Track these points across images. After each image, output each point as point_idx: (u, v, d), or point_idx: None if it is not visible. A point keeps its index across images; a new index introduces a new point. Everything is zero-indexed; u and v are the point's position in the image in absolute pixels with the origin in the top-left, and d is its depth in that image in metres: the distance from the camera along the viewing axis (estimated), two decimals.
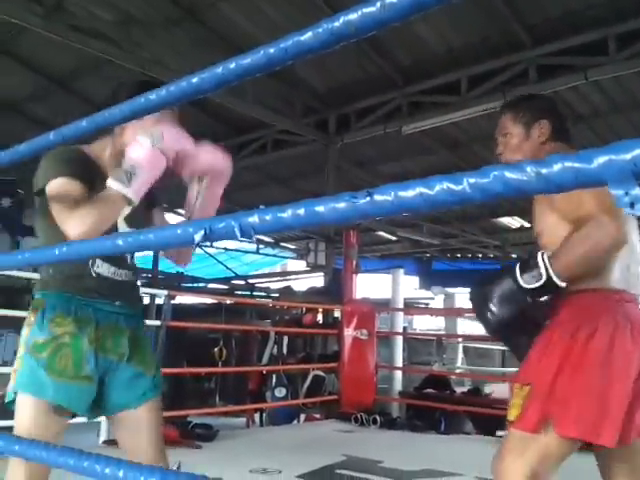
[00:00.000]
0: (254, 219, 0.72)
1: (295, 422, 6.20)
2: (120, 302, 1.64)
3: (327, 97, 7.57)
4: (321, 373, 6.20)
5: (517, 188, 0.52)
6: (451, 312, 8.45)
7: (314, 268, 9.07)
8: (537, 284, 1.43)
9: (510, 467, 1.47)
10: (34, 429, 1.46)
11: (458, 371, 7.67)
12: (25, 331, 1.57)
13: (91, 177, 1.55)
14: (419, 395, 6.30)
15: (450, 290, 10.64)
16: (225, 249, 10.90)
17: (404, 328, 9.69)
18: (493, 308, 1.50)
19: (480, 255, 13.94)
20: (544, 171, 0.50)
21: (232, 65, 0.84)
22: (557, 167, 0.49)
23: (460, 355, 7.84)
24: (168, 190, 1.76)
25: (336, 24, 0.73)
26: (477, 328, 11.99)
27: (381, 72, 6.79)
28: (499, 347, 10.28)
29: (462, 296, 11.16)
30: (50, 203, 1.50)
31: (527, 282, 1.44)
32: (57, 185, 1.50)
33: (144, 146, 1.44)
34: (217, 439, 4.29)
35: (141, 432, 1.62)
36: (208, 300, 8.85)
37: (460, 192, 0.55)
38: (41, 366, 1.50)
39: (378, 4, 0.69)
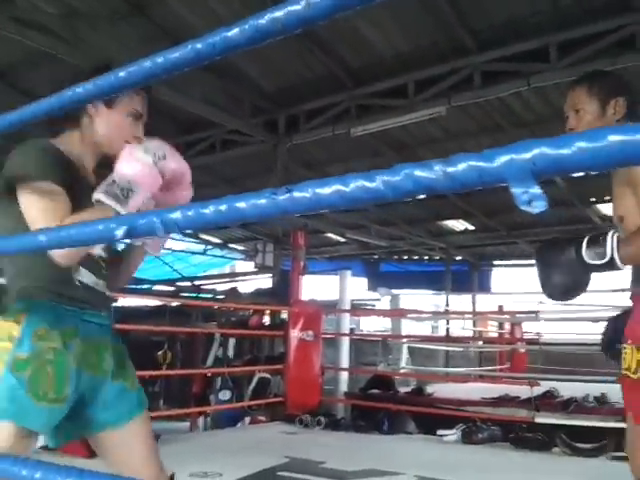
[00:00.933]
0: (176, 215, 0.71)
1: (240, 425, 6.16)
2: (105, 313, 1.57)
3: (276, 97, 7.55)
4: (267, 375, 6.19)
5: (427, 186, 0.53)
6: (396, 313, 8.56)
7: (261, 269, 9.03)
8: (599, 262, 1.47)
9: None
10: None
11: (402, 371, 7.77)
12: (4, 345, 1.37)
13: (70, 180, 1.42)
14: (364, 396, 6.35)
15: (396, 291, 10.79)
16: (172, 250, 10.74)
17: (351, 329, 9.76)
18: (553, 274, 1.56)
19: (426, 257, 14.21)
20: (450, 170, 0.51)
21: (160, 59, 0.83)
22: (462, 166, 0.50)
23: (404, 355, 7.95)
24: None
25: (262, 21, 0.73)
26: (422, 329, 12.18)
27: (330, 74, 6.82)
28: (443, 347, 10.49)
29: (407, 297, 11.33)
30: (25, 207, 1.37)
31: (590, 257, 1.48)
32: (40, 191, 1.36)
33: (144, 162, 1.36)
34: (158, 444, 4.21)
35: (133, 449, 1.54)
36: (153, 302, 8.70)
37: (374, 189, 0.56)
38: (22, 387, 1.33)
39: (303, 2, 0.69)
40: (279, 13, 0.71)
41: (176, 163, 1.44)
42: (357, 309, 8.91)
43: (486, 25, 5.80)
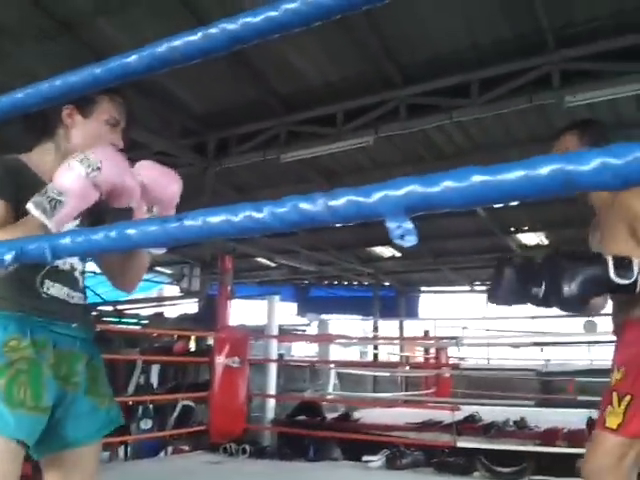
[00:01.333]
0: (66, 241, 0.69)
1: (162, 455, 5.96)
2: (77, 325, 1.52)
3: (207, 120, 7.52)
4: (191, 403, 6.03)
5: (311, 218, 0.54)
6: (323, 338, 8.57)
7: (188, 294, 8.86)
8: (624, 282, 1.58)
9: (611, 469, 1.67)
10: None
11: (329, 397, 7.76)
12: None
13: (23, 193, 1.35)
14: (290, 422, 6.29)
15: (325, 316, 10.83)
16: (94, 273, 10.35)
17: (281, 355, 9.69)
18: (573, 284, 1.64)
19: (355, 282, 14.36)
20: (332, 203, 0.53)
21: (57, 82, 0.82)
22: (342, 200, 0.52)
23: (332, 381, 7.95)
24: (120, 210, 1.59)
25: (160, 49, 0.73)
26: (350, 354, 12.26)
27: (261, 99, 6.87)
28: (371, 373, 10.57)
29: (336, 322, 11.38)
30: None
31: (618, 276, 1.59)
32: None
33: (76, 173, 1.28)
34: None
35: (86, 473, 1.51)
36: None
37: (261, 220, 0.57)
38: None
39: (200, 34, 0.70)
40: (177, 42, 0.72)
41: (118, 177, 1.33)
42: (284, 334, 8.86)
43: (411, 60, 6.02)
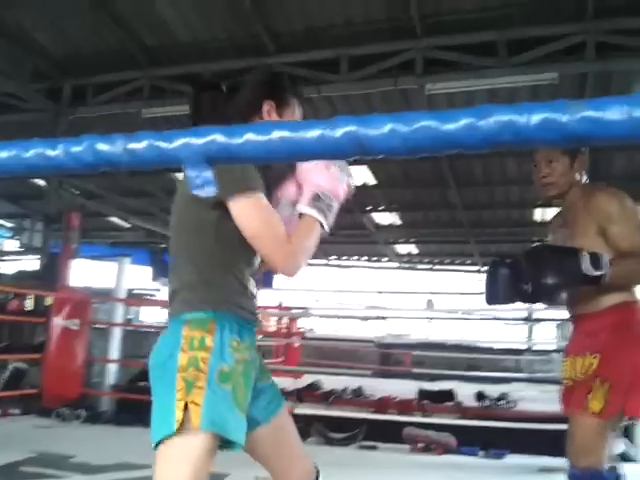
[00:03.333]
0: None
1: None
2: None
3: (63, 65, 6.97)
4: (23, 365, 5.65)
5: (108, 160, 0.51)
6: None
7: (28, 250, 8.24)
8: (595, 273, 1.77)
9: (596, 447, 1.87)
10: (198, 473, 1.26)
11: None
12: (201, 355, 1.29)
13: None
14: (131, 388, 6.12)
15: None
16: None
17: (130, 320, 9.34)
18: (549, 275, 1.83)
19: None
20: (131, 146, 0.50)
21: None
22: (144, 144, 0.49)
23: None
24: None
25: None
26: None
27: (125, 49, 6.48)
28: None
29: None
30: (246, 219, 1.33)
31: (588, 270, 1.77)
32: (260, 203, 1.33)
33: (341, 181, 1.41)
34: None
35: (282, 442, 1.54)
36: None
37: (54, 158, 0.52)
38: (228, 399, 1.29)
39: None
40: None
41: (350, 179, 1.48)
42: (132, 299, 8.56)
43: (286, 29, 5.98)
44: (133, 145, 0.50)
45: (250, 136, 0.46)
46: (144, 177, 9.18)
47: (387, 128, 0.43)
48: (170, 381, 1.27)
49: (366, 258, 15.09)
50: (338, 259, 15.25)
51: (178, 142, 0.48)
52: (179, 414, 1.23)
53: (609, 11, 5.18)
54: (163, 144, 0.49)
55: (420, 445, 4.50)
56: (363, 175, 9.41)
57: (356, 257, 15.12)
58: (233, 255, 1.40)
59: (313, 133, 0.45)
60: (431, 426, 4.69)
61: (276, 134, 0.45)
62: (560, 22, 5.42)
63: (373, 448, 4.59)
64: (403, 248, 13.93)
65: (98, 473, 3.15)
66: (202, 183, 0.47)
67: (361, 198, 10.44)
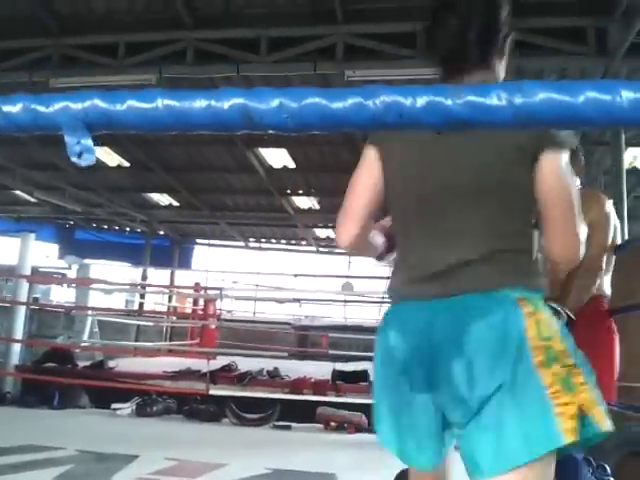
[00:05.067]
0: None
1: None
2: None
3: None
4: None
5: None
6: (81, 282, 8.08)
7: None
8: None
9: None
10: None
11: (84, 345, 7.39)
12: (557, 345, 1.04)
13: None
14: (37, 369, 5.87)
15: (89, 261, 10.19)
16: None
17: (35, 299, 8.91)
18: None
19: (127, 228, 13.77)
20: (6, 109, 0.46)
21: None
22: (18, 106, 0.46)
23: (88, 328, 7.56)
24: None
25: None
26: (114, 302, 11.77)
27: (34, 14, 6.10)
28: (134, 322, 10.29)
29: (102, 268, 10.82)
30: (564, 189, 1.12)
31: None
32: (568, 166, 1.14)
33: None
34: None
35: None
36: None
37: None
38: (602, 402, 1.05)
39: None
40: None
41: None
42: (37, 276, 8.18)
43: (205, 4, 5.82)
44: (7, 108, 0.46)
45: (133, 103, 0.44)
46: (54, 148, 8.71)
47: (275, 102, 0.42)
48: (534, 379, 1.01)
49: (285, 241, 15.11)
50: (257, 241, 15.18)
51: (57, 106, 0.45)
52: (568, 422, 0.98)
53: (526, 10, 5.38)
54: (40, 108, 0.46)
55: (333, 424, 4.59)
56: (282, 158, 9.38)
57: (275, 240, 15.11)
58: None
59: (200, 103, 0.43)
60: (344, 405, 4.79)
61: (161, 102, 0.43)
62: None
63: (287, 428, 4.64)
64: (322, 232, 14.04)
65: (1, 455, 3.01)
66: (81, 150, 0.45)
67: (280, 181, 10.41)
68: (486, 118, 0.40)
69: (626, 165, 6.21)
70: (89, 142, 0.45)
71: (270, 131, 0.45)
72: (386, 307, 1.28)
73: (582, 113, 0.39)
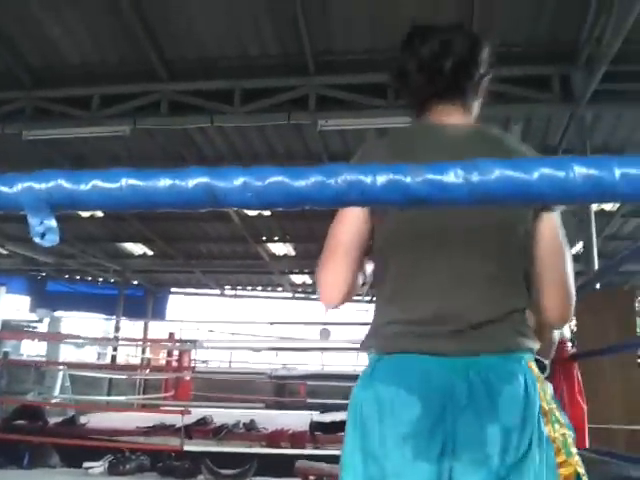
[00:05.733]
0: None
1: None
2: None
3: None
4: None
5: None
6: (51, 336, 7.89)
7: None
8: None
9: None
10: None
11: (55, 401, 7.17)
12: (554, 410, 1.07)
13: None
14: (6, 427, 5.66)
15: (61, 314, 9.99)
16: None
17: (5, 353, 8.67)
18: None
19: (100, 279, 13.57)
20: None
21: None
22: None
23: (59, 383, 7.35)
24: None
25: None
26: (85, 355, 11.50)
27: (7, 67, 6.13)
28: (106, 375, 10.04)
29: (74, 321, 10.60)
30: (556, 235, 1.14)
31: None
32: None
33: None
34: None
35: None
36: None
37: None
38: None
39: None
40: None
41: None
42: (6, 332, 7.97)
43: (178, 56, 5.91)
44: None
45: (97, 183, 0.44)
46: None
47: (240, 181, 0.43)
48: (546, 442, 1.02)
49: (261, 288, 15.03)
50: (233, 289, 15.08)
51: (19, 186, 0.45)
52: None
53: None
54: (3, 188, 0.46)
55: (312, 478, 4.47)
56: None
57: (251, 287, 15.03)
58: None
59: (164, 182, 0.43)
60: (323, 458, 4.68)
61: (125, 182, 0.44)
62: None
63: None
64: (298, 278, 14.02)
65: None
66: (44, 231, 0.45)
67: (255, 228, 10.42)
68: (444, 196, 0.41)
69: (594, 208, 6.36)
70: (52, 222, 0.45)
71: (234, 208, 0.45)
72: (362, 355, 1.19)
73: (536, 189, 0.41)
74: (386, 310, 1.12)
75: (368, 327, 1.15)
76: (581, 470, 1.02)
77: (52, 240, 0.44)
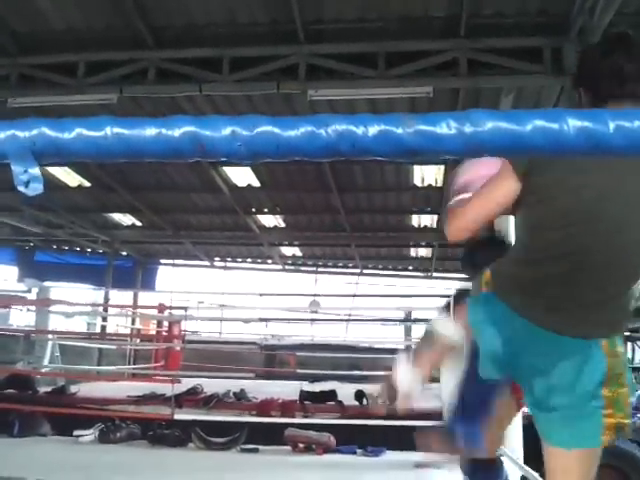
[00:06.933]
0: None
1: None
2: None
3: None
4: None
5: None
6: (38, 303, 7.85)
7: None
8: None
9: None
10: None
11: (45, 370, 7.18)
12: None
13: None
14: None
15: (50, 284, 9.94)
16: None
17: None
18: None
19: (89, 249, 13.51)
20: None
21: None
22: None
23: (49, 353, 7.36)
24: None
25: None
26: (75, 325, 11.51)
27: None
28: (96, 345, 10.07)
29: (62, 291, 10.56)
30: None
31: None
32: None
33: None
34: None
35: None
36: None
37: None
38: None
39: None
40: None
41: None
42: None
43: (166, 24, 5.80)
44: None
45: (81, 131, 0.43)
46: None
47: (228, 131, 0.42)
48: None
49: (251, 260, 15.03)
50: (222, 260, 15.07)
51: (2, 134, 0.44)
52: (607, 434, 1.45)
53: (480, 31, 5.52)
54: None
55: (301, 446, 4.54)
56: (247, 176, 9.36)
57: (240, 259, 15.02)
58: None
59: (150, 131, 0.43)
60: (312, 426, 4.75)
61: (110, 130, 0.43)
62: (435, 38, 5.68)
63: (255, 451, 4.57)
64: (288, 250, 14.03)
65: None
66: (28, 179, 0.44)
67: (245, 200, 10.38)
68: (436, 147, 0.41)
69: None
70: (36, 171, 0.44)
71: (222, 159, 0.44)
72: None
73: (530, 141, 0.40)
74: (525, 278, 1.57)
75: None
76: (624, 421, 1.41)
77: (36, 189, 0.43)
